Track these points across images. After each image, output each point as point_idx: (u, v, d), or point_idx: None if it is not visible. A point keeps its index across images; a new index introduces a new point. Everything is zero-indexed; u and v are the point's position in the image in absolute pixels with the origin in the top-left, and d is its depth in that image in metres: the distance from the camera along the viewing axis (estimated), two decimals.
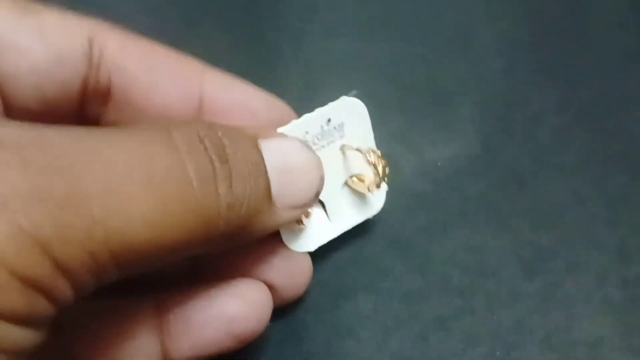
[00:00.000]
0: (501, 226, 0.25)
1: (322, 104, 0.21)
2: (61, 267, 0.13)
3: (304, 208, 0.19)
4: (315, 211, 0.21)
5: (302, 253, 0.21)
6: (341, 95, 0.21)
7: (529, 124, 0.27)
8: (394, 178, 0.22)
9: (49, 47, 0.17)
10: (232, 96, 0.20)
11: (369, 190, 0.21)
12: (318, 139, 0.21)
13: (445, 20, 0.31)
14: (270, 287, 0.20)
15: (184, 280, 0.21)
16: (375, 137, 0.28)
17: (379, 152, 0.21)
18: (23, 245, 0.12)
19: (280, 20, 0.30)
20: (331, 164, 0.21)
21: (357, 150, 0.21)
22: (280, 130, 0.20)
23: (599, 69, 0.29)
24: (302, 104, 0.28)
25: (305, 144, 0.19)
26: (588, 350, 0.23)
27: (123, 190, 0.14)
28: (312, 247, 0.21)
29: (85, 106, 0.19)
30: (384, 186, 0.22)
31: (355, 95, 0.21)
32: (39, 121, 0.17)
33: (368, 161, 0.21)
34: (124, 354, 0.19)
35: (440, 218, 0.26)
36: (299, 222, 0.21)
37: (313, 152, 0.19)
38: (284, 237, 0.20)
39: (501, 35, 0.30)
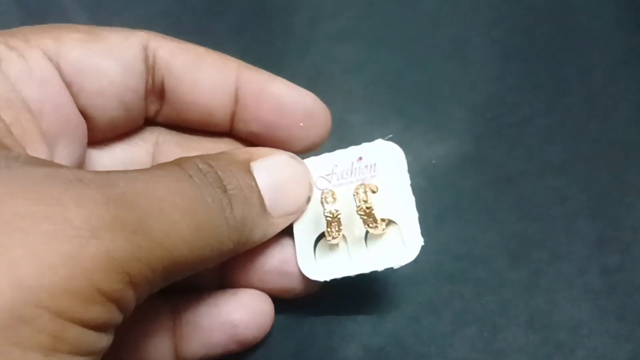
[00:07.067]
0: (490, 219, 0.27)
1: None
2: (132, 282, 0.15)
3: (297, 213, 0.22)
4: (341, 246, 0.22)
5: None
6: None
7: (518, 126, 0.29)
8: None
9: (120, 62, 0.20)
10: (263, 90, 0.22)
11: (369, 228, 0.21)
12: (347, 174, 0.22)
13: (441, 30, 0.33)
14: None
15: (196, 288, 0.23)
16: (375, 138, 0.30)
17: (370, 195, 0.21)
18: (109, 267, 0.14)
19: (288, 28, 0.33)
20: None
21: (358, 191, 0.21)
22: (311, 160, 0.22)
23: (583, 77, 0.31)
24: None
25: (292, 156, 0.21)
26: (568, 332, 0.24)
27: (172, 217, 0.16)
28: (324, 278, 0.21)
29: (147, 107, 0.22)
30: (420, 241, 0.21)
31: (390, 139, 0.22)
32: (120, 129, 0.22)
33: (357, 207, 0.21)
34: (143, 349, 0.21)
35: (435, 212, 0.27)
36: (332, 247, 0.22)
37: (301, 163, 0.22)
38: (300, 264, 0.22)
39: (494, 44, 0.32)
